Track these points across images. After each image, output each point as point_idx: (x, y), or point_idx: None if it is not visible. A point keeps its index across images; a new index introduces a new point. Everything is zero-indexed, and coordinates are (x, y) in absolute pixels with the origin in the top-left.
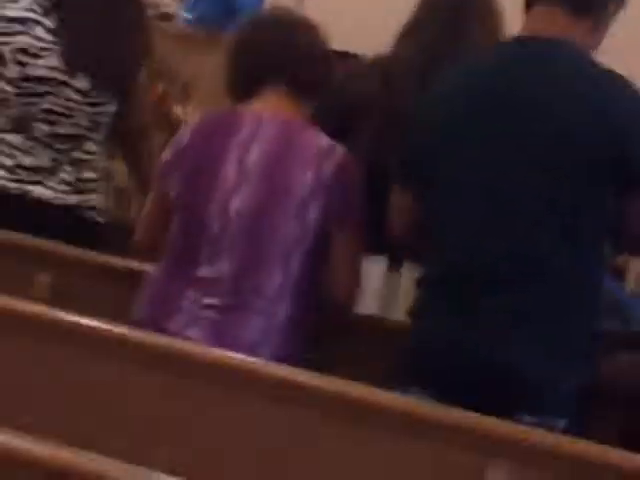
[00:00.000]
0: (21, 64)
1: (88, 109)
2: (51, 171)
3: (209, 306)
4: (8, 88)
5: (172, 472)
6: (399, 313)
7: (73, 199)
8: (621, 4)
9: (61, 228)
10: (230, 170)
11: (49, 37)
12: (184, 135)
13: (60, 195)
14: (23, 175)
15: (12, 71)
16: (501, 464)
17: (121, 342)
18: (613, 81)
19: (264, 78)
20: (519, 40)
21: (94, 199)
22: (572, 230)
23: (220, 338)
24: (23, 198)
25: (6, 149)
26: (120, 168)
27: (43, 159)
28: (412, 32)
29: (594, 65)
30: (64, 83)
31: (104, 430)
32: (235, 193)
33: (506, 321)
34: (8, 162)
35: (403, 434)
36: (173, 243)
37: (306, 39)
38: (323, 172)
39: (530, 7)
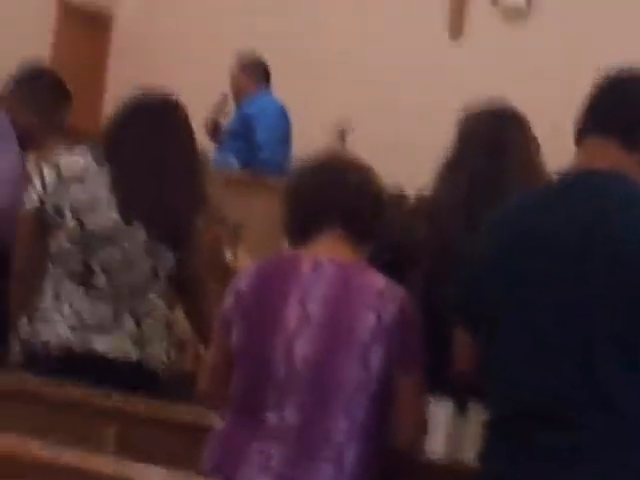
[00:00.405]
0: (79, 218)
1: (147, 260)
2: (112, 322)
3: (277, 455)
4: (66, 241)
5: None
6: (467, 455)
7: (135, 350)
8: None
9: (123, 380)
10: (291, 315)
11: (105, 190)
12: (242, 281)
13: (122, 347)
14: (85, 327)
15: (70, 224)
16: None
17: None
18: None
19: (319, 221)
20: (575, 174)
21: (155, 350)
22: (633, 364)
23: None
24: (86, 352)
25: (67, 301)
26: (179, 317)
27: (104, 311)
28: (452, 169)
29: None
30: (122, 235)
31: None
32: (298, 338)
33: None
34: (69, 314)
35: None
36: (238, 390)
37: (359, 182)
38: (385, 315)
39: (581, 140)
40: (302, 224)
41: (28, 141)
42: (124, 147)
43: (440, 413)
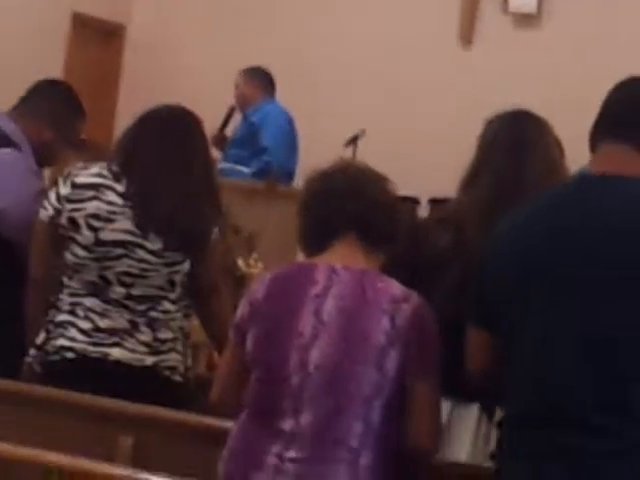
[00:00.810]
0: (94, 229)
1: (163, 269)
2: (128, 332)
3: (293, 459)
4: (83, 253)
5: None
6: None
7: (151, 359)
8: None
9: (140, 389)
10: (306, 323)
11: (120, 201)
12: (258, 290)
13: (138, 356)
14: (101, 338)
15: (86, 236)
16: None
17: None
18: None
19: (335, 229)
20: (591, 178)
21: (171, 358)
22: None
23: None
24: (102, 360)
25: (83, 312)
26: (194, 325)
27: (120, 321)
28: (475, 175)
29: None
30: (137, 245)
31: None
32: (312, 346)
33: (585, 461)
34: (86, 325)
35: None
36: (253, 398)
37: (374, 189)
38: (399, 319)
39: (596, 146)
40: (317, 233)
41: (44, 156)
42: (138, 159)
43: (463, 415)
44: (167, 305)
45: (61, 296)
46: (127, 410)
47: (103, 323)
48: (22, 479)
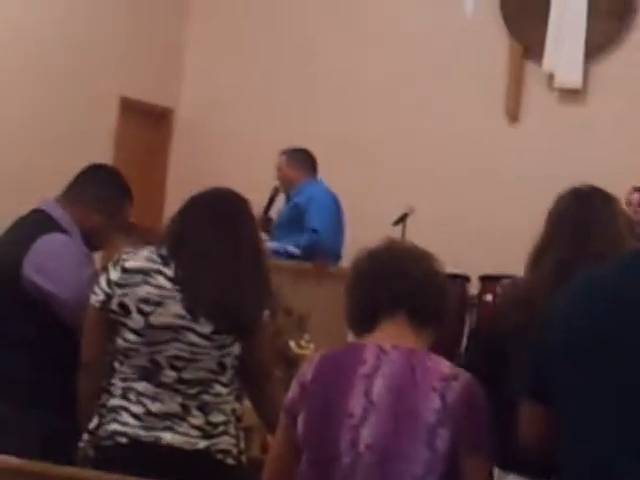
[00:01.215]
0: (144, 313)
1: (213, 352)
2: (180, 416)
3: None
4: (133, 337)
5: None
6: None
7: (203, 443)
8: None
9: (193, 473)
10: (356, 404)
11: (169, 285)
12: (307, 371)
13: (190, 440)
14: (153, 422)
15: (136, 321)
16: None
17: None
18: None
19: (382, 309)
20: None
21: (224, 442)
22: None
23: None
24: (155, 445)
25: (135, 397)
26: (247, 408)
27: (171, 405)
28: (541, 253)
29: None
30: (188, 329)
31: None
32: (363, 427)
33: None
34: (138, 410)
35: None
36: (305, 479)
37: (420, 268)
38: (449, 397)
39: None
40: (364, 313)
41: (94, 240)
42: (186, 243)
43: None
44: (219, 388)
45: (113, 380)
46: None
47: (155, 407)
48: None
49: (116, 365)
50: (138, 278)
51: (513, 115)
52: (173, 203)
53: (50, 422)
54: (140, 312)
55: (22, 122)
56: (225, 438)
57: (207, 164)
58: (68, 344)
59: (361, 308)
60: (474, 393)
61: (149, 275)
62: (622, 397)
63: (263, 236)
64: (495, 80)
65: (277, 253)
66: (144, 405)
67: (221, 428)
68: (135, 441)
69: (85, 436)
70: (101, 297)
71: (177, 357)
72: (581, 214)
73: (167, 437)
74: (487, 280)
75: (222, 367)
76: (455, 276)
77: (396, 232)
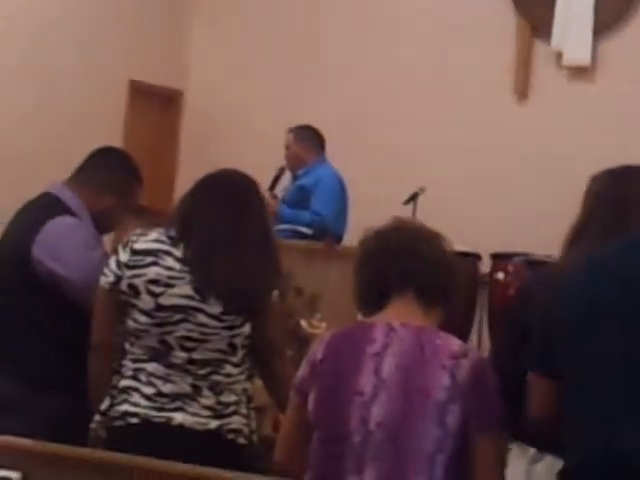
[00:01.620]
0: (154, 294)
1: (223, 333)
2: (191, 397)
3: None
4: (143, 319)
5: None
6: None
7: (214, 423)
8: None
9: (204, 453)
10: (366, 382)
11: (178, 266)
12: (317, 350)
13: (201, 420)
14: (164, 402)
15: (146, 302)
16: None
17: None
18: None
19: (390, 288)
20: None
21: (235, 422)
22: None
23: None
24: (166, 425)
25: (145, 378)
26: (257, 386)
27: (182, 385)
28: (578, 233)
29: None
30: (197, 309)
31: None
32: (373, 404)
33: None
34: (148, 391)
35: None
36: (315, 458)
37: (428, 247)
38: (459, 374)
39: None
40: (372, 292)
41: (104, 222)
42: (195, 224)
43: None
44: (229, 368)
45: (124, 362)
46: (191, 473)
47: (166, 388)
48: None
49: (126, 346)
50: (147, 259)
51: (522, 93)
52: (183, 186)
53: (61, 403)
54: (150, 293)
55: (32, 107)
56: (236, 418)
57: (217, 146)
58: (79, 326)
59: (369, 287)
60: (484, 371)
61: (158, 256)
62: (626, 367)
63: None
64: (503, 59)
65: (288, 234)
66: (155, 386)
67: (232, 408)
68: (146, 422)
69: (96, 417)
70: (111, 278)
71: (187, 338)
72: (618, 193)
73: (178, 417)
74: (498, 258)
75: (232, 347)
76: (466, 254)
77: (407, 211)
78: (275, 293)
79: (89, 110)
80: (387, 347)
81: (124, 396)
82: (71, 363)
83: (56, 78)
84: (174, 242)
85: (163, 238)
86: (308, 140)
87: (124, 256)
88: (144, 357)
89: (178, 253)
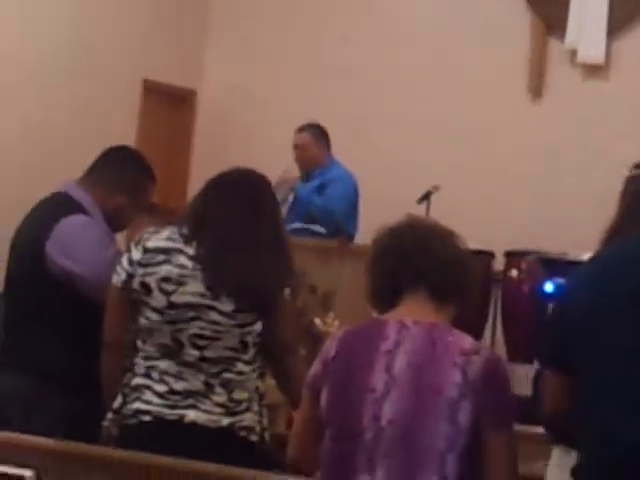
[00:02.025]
0: (166, 292)
1: (235, 330)
2: (203, 394)
3: None
4: (155, 316)
5: None
6: None
7: (227, 420)
8: None
9: (216, 450)
10: (378, 379)
11: (191, 264)
12: (330, 347)
13: (214, 417)
14: (177, 400)
15: (158, 300)
16: None
17: None
18: None
19: (403, 285)
20: None
21: (247, 419)
22: None
23: None
24: (178, 423)
25: (158, 375)
26: (269, 384)
27: (194, 383)
28: (614, 231)
29: None
30: (209, 307)
31: None
32: (385, 401)
33: None
34: (161, 388)
35: None
36: (328, 456)
37: (441, 245)
38: (471, 371)
39: None
40: (385, 289)
41: (116, 221)
42: (208, 222)
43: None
44: (241, 366)
45: (136, 360)
46: (204, 471)
47: (178, 385)
48: None
49: (139, 344)
50: (160, 257)
51: (536, 92)
52: (196, 185)
53: (75, 401)
54: (162, 291)
55: (45, 106)
56: (248, 415)
57: (230, 146)
58: (93, 323)
59: (382, 284)
60: (496, 368)
61: (170, 254)
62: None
63: None
64: (518, 57)
65: (302, 232)
66: (167, 383)
67: (244, 405)
68: (159, 419)
69: (109, 415)
70: (123, 277)
71: (199, 335)
72: None
73: (191, 415)
74: (512, 256)
75: (244, 345)
76: (479, 252)
77: (420, 210)
78: (287, 291)
79: (103, 109)
80: (399, 345)
81: (136, 394)
82: (85, 361)
83: (71, 78)
84: (186, 240)
85: (175, 236)
86: (322, 139)
87: (136, 254)
88: (156, 355)
89: (190, 251)
